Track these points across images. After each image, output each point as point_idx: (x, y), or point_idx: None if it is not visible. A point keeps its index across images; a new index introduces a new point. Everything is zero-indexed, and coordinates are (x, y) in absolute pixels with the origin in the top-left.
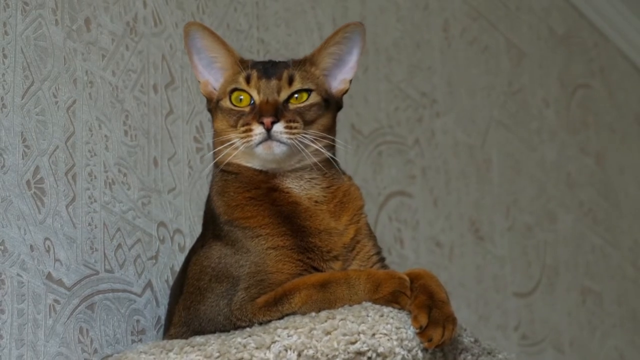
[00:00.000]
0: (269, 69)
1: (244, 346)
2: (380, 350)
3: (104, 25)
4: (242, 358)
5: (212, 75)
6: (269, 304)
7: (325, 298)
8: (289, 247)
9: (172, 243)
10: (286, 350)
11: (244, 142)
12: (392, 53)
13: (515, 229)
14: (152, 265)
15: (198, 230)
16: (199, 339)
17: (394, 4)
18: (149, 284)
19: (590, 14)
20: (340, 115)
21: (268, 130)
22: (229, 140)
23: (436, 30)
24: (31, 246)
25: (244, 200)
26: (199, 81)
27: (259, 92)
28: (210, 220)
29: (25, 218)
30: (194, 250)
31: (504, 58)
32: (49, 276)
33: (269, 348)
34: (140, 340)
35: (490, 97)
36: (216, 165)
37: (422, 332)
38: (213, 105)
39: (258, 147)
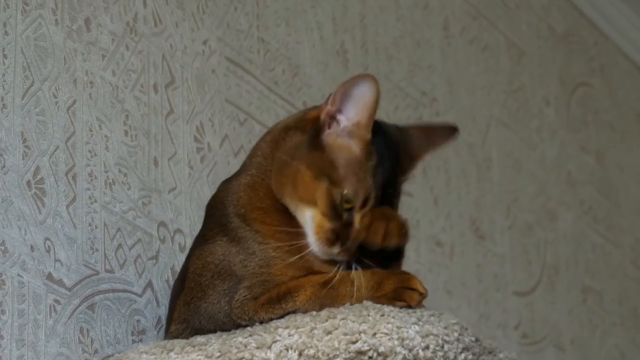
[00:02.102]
0: (385, 196)
1: (245, 346)
2: (381, 349)
3: (104, 25)
4: (243, 357)
5: (345, 118)
6: (272, 301)
7: (329, 295)
8: (296, 263)
9: (172, 243)
10: (287, 350)
11: (317, 242)
12: (392, 52)
13: (515, 227)
14: (153, 265)
15: (198, 229)
16: (200, 338)
17: (393, 2)
18: (149, 284)
19: (590, 13)
20: None
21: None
22: (308, 207)
23: (436, 29)
24: (32, 246)
25: (271, 207)
26: (328, 104)
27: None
28: (220, 206)
29: (26, 218)
30: (196, 244)
31: (504, 57)
32: (49, 276)
33: (270, 347)
34: (141, 340)
35: (490, 96)
36: (267, 157)
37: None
38: (317, 141)
39: (320, 249)
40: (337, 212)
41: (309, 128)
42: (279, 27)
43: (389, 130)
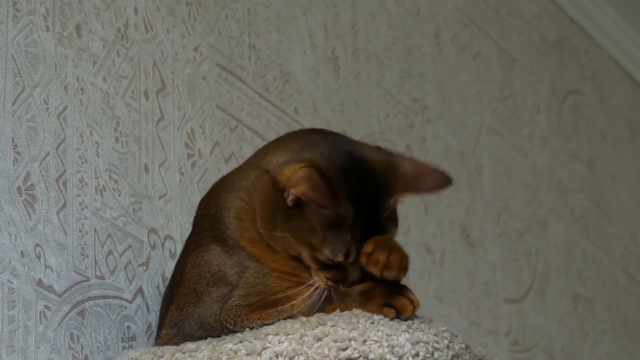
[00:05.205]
0: (365, 235)
1: (235, 352)
2: (371, 356)
3: (95, 32)
4: None
5: None
6: (268, 306)
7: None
8: (292, 279)
9: (162, 249)
10: (277, 357)
11: (323, 286)
12: (384, 59)
13: (506, 235)
14: (143, 272)
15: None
16: (190, 345)
17: (385, 10)
18: (139, 291)
19: (582, 20)
20: (331, 122)
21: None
22: (298, 256)
23: (427, 37)
24: (22, 252)
25: (257, 239)
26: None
27: (350, 267)
28: (214, 218)
29: (16, 224)
30: (189, 250)
31: (495, 64)
32: (39, 282)
33: (259, 354)
34: (131, 346)
35: (481, 103)
36: (250, 194)
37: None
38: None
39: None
40: (326, 265)
41: (283, 190)
42: (270, 33)
43: (368, 162)
